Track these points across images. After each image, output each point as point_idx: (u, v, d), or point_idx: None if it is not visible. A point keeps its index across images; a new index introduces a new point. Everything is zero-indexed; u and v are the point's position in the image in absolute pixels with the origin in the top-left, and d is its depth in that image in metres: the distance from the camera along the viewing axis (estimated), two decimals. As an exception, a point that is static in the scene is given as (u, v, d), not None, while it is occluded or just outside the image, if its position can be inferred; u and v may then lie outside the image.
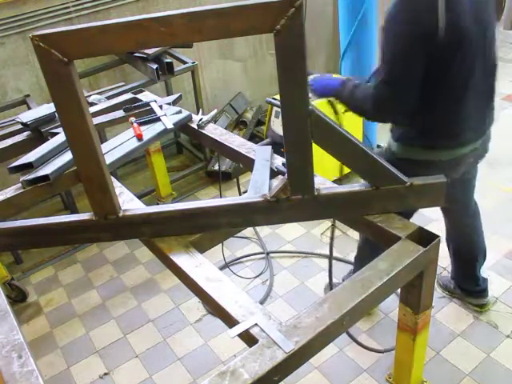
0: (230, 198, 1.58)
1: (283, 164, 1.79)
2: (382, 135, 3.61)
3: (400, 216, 1.55)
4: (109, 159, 1.90)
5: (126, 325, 2.53)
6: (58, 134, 2.12)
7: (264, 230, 3.01)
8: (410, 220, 1.65)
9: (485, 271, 2.33)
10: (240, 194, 2.17)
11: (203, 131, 2.18)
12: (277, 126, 3.12)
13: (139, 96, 2.51)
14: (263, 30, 1.20)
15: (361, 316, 1.39)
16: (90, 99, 2.53)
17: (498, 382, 2.04)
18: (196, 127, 2.21)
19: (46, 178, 1.84)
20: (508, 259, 2.60)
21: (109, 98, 2.61)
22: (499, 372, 2.06)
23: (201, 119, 2.22)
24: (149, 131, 2.13)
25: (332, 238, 1.85)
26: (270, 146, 1.96)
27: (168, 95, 3.42)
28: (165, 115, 2.23)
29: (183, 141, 3.90)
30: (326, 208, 1.54)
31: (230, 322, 1.30)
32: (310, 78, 1.78)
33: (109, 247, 3.06)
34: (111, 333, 2.49)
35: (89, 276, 2.89)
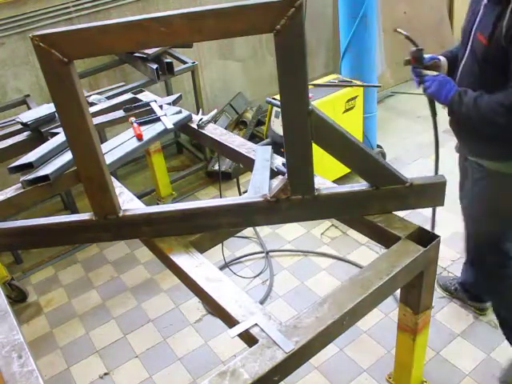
0: (230, 198, 1.58)
1: (283, 164, 1.79)
2: (382, 135, 3.62)
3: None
4: (109, 159, 1.90)
5: (126, 325, 2.53)
6: (58, 133, 2.12)
7: (264, 230, 3.01)
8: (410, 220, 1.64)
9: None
10: (240, 194, 2.17)
11: (203, 131, 2.19)
12: (277, 126, 3.11)
13: (139, 96, 2.51)
14: (263, 30, 1.21)
15: (361, 316, 1.39)
16: (90, 99, 2.53)
17: (497, 382, 2.03)
18: (196, 127, 2.21)
19: (46, 177, 1.84)
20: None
21: (109, 98, 2.61)
22: (499, 372, 2.05)
23: (201, 119, 2.23)
24: (149, 131, 2.13)
25: None
26: (269, 146, 1.96)
27: (168, 95, 3.42)
28: (165, 115, 2.23)
29: (183, 141, 3.90)
30: (326, 208, 1.54)
31: (230, 321, 1.30)
32: (428, 75, 1.72)
33: (109, 247, 3.06)
34: (111, 333, 2.49)
35: (89, 276, 2.89)
